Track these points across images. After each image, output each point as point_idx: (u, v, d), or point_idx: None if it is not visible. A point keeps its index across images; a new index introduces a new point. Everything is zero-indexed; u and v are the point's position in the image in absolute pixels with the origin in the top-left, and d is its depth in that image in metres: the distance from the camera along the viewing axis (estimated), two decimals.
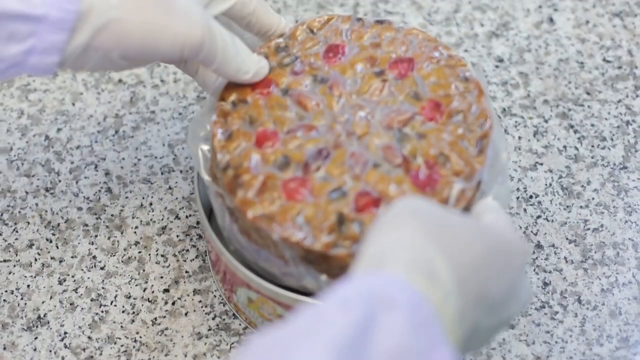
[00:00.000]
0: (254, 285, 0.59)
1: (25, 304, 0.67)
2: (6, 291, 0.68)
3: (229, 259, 0.59)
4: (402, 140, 0.57)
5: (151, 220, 0.71)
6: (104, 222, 0.71)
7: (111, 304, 0.67)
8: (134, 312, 0.66)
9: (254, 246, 0.57)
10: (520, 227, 0.71)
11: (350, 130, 0.57)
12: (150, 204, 0.72)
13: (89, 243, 0.70)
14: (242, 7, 0.61)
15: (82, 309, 0.67)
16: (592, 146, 0.76)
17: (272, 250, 0.55)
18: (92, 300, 0.67)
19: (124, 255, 0.69)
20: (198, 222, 0.71)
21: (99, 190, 0.73)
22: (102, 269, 0.69)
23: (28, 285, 0.68)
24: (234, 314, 0.66)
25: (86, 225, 0.71)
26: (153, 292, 0.68)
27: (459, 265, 0.44)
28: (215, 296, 0.67)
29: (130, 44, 0.53)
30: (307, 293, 0.57)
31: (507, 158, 0.58)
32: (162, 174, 0.74)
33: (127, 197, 0.73)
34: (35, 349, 0.65)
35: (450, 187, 0.55)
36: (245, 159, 0.56)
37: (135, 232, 0.71)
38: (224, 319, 0.66)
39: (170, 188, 0.73)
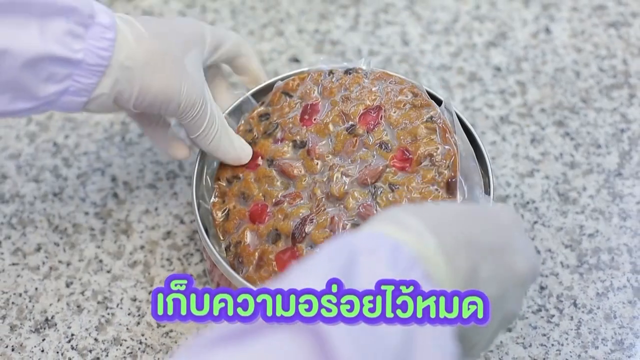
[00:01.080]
0: None
1: (33, 306, 0.67)
2: (14, 294, 0.68)
3: (226, 269, 0.59)
4: (376, 196, 0.60)
5: (156, 224, 0.72)
6: (110, 226, 0.71)
7: (117, 306, 0.67)
8: (139, 315, 0.67)
9: None
10: None
11: (330, 193, 0.61)
12: (156, 208, 0.73)
13: (96, 247, 0.70)
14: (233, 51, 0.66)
15: (88, 311, 0.67)
16: (588, 153, 0.76)
17: None
18: (98, 302, 0.67)
19: (130, 259, 0.70)
20: None
21: (106, 196, 0.73)
22: (108, 272, 0.69)
23: (36, 288, 0.68)
24: None
25: (93, 229, 0.71)
26: None
27: (426, 217, 0.46)
28: None
29: (145, 97, 0.58)
30: None
31: (480, 193, 0.60)
32: (167, 179, 0.75)
33: (133, 202, 0.73)
34: (42, 350, 0.65)
35: None
36: (243, 236, 0.62)
37: (140, 237, 0.71)
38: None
39: (175, 193, 0.74)
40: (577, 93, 0.81)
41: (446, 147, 0.60)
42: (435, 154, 0.60)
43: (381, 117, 0.63)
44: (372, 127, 0.63)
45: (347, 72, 0.66)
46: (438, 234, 0.46)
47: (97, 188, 0.74)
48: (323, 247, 0.45)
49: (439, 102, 0.64)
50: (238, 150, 0.64)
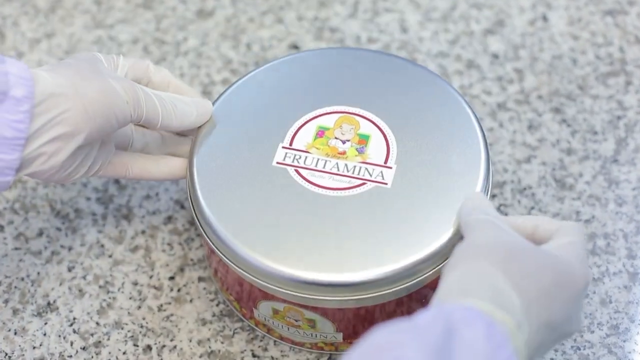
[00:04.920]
0: (280, 295, 0.57)
1: (36, 290, 0.66)
2: (17, 278, 0.67)
3: (254, 279, 0.57)
4: None
5: (157, 210, 0.70)
6: (111, 211, 0.70)
7: (118, 290, 0.66)
8: (140, 299, 0.65)
9: None
10: None
11: None
12: (157, 194, 0.71)
13: (97, 232, 0.69)
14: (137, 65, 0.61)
15: (90, 295, 0.66)
16: (584, 140, 0.75)
17: None
18: (100, 287, 0.66)
19: (131, 243, 0.68)
20: None
21: (107, 181, 0.72)
22: (109, 256, 0.68)
23: (38, 272, 0.67)
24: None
25: (94, 214, 0.70)
26: (159, 279, 0.66)
27: (525, 293, 0.46)
28: None
29: (83, 142, 0.56)
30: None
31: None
32: None
33: (134, 188, 0.72)
34: (45, 334, 0.64)
35: None
36: None
37: (142, 222, 0.70)
38: (227, 306, 0.65)
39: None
40: (574, 80, 0.79)
41: None
42: None
43: None
44: None
45: None
46: (529, 321, 0.46)
47: None
48: (417, 315, 0.44)
49: None
50: (201, 108, 0.61)
